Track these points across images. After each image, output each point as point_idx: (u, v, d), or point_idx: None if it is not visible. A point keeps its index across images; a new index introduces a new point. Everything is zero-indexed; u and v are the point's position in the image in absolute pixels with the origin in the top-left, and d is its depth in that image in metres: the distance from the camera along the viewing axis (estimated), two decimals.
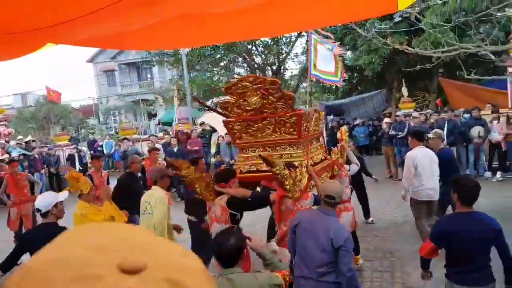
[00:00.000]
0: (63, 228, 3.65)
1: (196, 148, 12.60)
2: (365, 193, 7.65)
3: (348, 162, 6.13)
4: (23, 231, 7.88)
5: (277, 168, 3.98)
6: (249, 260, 3.28)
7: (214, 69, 23.23)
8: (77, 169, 15.71)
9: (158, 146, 12.55)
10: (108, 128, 35.52)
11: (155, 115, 35.60)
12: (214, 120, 14.00)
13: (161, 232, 4.68)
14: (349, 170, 5.91)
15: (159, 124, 23.74)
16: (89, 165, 17.66)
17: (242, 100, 4.63)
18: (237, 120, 4.78)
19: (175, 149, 12.25)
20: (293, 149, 4.76)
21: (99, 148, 18.56)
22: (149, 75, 41.08)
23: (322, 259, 3.35)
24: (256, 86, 4.48)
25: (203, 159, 5.89)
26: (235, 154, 12.06)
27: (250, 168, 4.89)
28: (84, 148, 18.76)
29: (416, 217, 6.27)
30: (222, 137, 12.85)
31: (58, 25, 3.39)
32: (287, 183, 4.03)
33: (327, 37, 12.68)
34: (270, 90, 4.44)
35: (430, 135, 6.92)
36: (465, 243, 3.31)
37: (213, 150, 13.26)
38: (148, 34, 4.65)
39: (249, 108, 4.63)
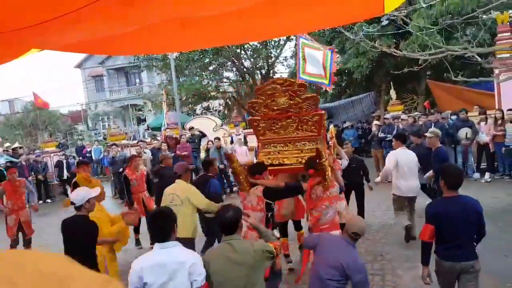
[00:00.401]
0: (93, 222, 4.15)
1: (186, 153, 12.52)
2: (363, 196, 7.69)
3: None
4: (22, 238, 7.75)
5: (324, 159, 4.61)
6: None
7: (203, 73, 23.19)
8: (65, 176, 15.55)
9: (147, 151, 12.47)
10: (97, 134, 35.25)
11: (144, 120, 35.42)
12: (203, 125, 13.99)
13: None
14: (341, 164, 6.49)
15: (148, 129, 23.61)
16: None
17: (270, 101, 5.13)
18: (263, 118, 5.25)
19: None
20: (313, 145, 5.27)
21: (87, 154, 18.39)
22: (137, 80, 40.91)
23: (336, 276, 3.49)
24: (284, 88, 5.03)
25: (216, 161, 6.34)
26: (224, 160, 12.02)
27: (272, 162, 5.36)
28: (73, 154, 18.57)
29: (396, 210, 6.91)
30: (211, 141, 12.78)
31: (43, 29, 3.33)
32: (327, 172, 4.64)
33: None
34: (298, 92, 5.01)
35: (428, 134, 7.28)
36: (453, 223, 3.70)
37: (202, 155, 13.17)
38: (136, 39, 4.61)
39: (276, 108, 5.17)
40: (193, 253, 3.14)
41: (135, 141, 16.88)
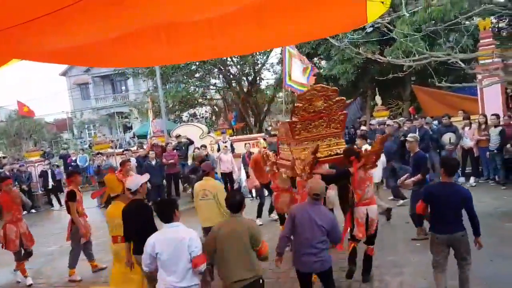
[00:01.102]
0: (147, 204, 5.18)
1: (172, 161, 12.42)
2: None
3: None
4: (24, 250, 7.47)
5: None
6: None
7: (189, 80, 23.11)
8: (50, 186, 15.32)
9: (132, 159, 12.33)
10: (82, 142, 34.89)
11: (130, 128, 35.17)
12: (189, 132, 13.91)
13: None
14: None
15: (134, 137, 23.45)
16: (63, 181, 17.30)
17: (308, 104, 6.12)
18: (300, 120, 6.18)
19: (153, 162, 12.02)
20: (337, 139, 6.46)
21: (72, 163, 18.16)
22: (123, 88, 40.69)
23: (319, 236, 4.45)
24: (320, 94, 6.13)
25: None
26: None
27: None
28: (57, 163, 18.31)
29: None
30: (198, 148, 12.69)
31: (23, 33, 3.27)
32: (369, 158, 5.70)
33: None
34: (330, 96, 6.21)
35: (408, 139, 7.55)
36: (445, 203, 4.66)
37: (189, 162, 13.08)
38: (119, 51, 4.57)
39: (311, 111, 6.16)
40: (192, 231, 4.00)
41: (121, 150, 16.72)
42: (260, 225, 8.89)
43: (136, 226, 4.80)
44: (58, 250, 9.42)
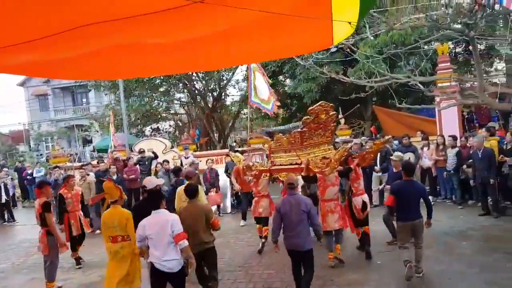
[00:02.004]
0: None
1: (133, 176, 12.08)
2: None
3: None
4: None
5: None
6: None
7: (153, 94, 22.81)
8: (3, 200, 14.59)
9: (90, 174, 11.94)
10: (39, 155, 33.64)
11: (90, 141, 34.21)
12: (152, 147, 13.66)
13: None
14: None
15: (94, 151, 22.79)
16: (17, 194, 16.56)
17: (315, 117, 7.54)
18: (308, 130, 7.71)
19: (115, 177, 11.62)
20: (329, 145, 8.19)
21: (28, 177, 17.41)
22: (84, 100, 39.76)
23: (302, 220, 5.48)
24: (323, 109, 7.59)
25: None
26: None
27: (312, 158, 7.71)
28: (11, 176, 17.50)
29: None
30: (160, 163, 12.41)
31: None
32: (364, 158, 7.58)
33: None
34: (329, 110, 7.66)
35: (393, 158, 8.14)
36: (408, 197, 6.09)
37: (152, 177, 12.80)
38: (83, 64, 4.43)
39: (316, 122, 7.63)
40: (174, 215, 5.13)
41: (79, 164, 16.20)
42: (243, 225, 10.65)
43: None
44: (10, 267, 8.89)
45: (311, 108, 7.71)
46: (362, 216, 7.27)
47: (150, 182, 6.10)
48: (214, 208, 12.33)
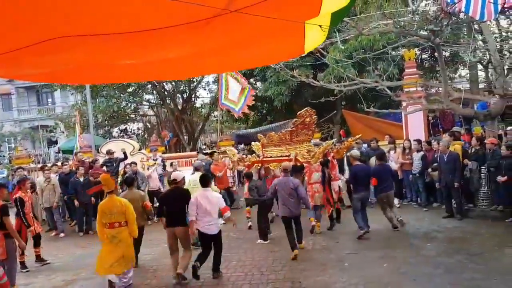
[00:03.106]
0: (186, 190, 7.18)
1: (99, 178, 11.75)
2: None
3: None
4: None
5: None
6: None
7: (121, 95, 22.38)
8: None
9: (53, 176, 11.58)
10: (1, 156, 32.45)
11: (55, 142, 33.26)
12: (119, 148, 13.34)
13: None
14: None
15: (59, 152, 22.15)
16: None
17: (303, 120, 9.88)
18: (297, 130, 10.03)
19: (81, 179, 11.26)
20: (309, 143, 10.47)
21: None
22: (50, 100, 38.70)
23: (292, 194, 7.51)
24: (308, 113, 9.93)
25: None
26: (141, 184, 11.52)
27: (299, 152, 9.86)
28: None
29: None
30: (129, 165, 12.11)
31: None
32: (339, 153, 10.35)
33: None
34: (312, 115, 10.00)
35: (350, 154, 9.45)
36: (383, 176, 8.68)
37: (120, 179, 12.46)
38: (49, 66, 4.29)
39: (303, 124, 9.97)
40: (218, 194, 7.21)
41: (42, 165, 15.70)
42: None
43: (175, 205, 6.81)
44: None
45: (300, 112, 10.04)
46: (337, 196, 9.64)
47: (178, 175, 7.22)
48: None
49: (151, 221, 10.45)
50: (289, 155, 9.79)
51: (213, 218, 6.69)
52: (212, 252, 6.87)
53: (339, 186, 9.74)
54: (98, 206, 6.49)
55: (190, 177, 8.86)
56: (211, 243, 6.81)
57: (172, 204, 6.81)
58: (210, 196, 6.72)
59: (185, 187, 7.51)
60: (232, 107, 14.06)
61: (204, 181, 6.95)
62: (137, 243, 7.20)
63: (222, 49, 4.19)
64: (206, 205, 6.60)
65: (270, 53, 4.68)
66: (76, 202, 11.08)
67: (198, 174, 8.55)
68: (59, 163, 13.22)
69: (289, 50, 4.66)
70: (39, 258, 8.51)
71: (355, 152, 9.44)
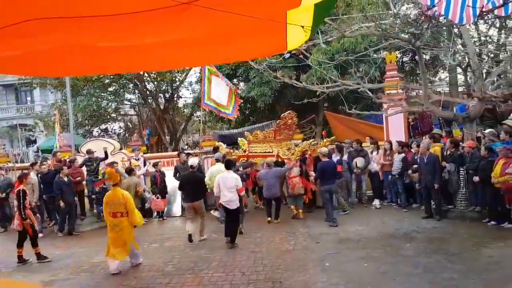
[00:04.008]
0: (200, 174, 10.24)
1: (79, 178, 11.58)
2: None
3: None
4: None
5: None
6: None
7: (102, 94, 22.10)
8: None
9: (32, 174, 11.35)
10: None
11: (34, 141, 32.65)
12: (100, 148, 13.16)
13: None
14: None
15: (38, 151, 21.72)
16: None
17: (285, 121, 11.41)
18: (280, 129, 11.48)
19: (66, 179, 10.99)
20: (289, 142, 11.76)
21: None
22: (29, 98, 37.96)
23: (274, 182, 10.04)
24: (290, 115, 11.44)
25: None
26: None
27: (281, 150, 11.53)
28: None
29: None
30: (111, 164, 11.88)
31: None
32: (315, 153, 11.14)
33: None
34: (293, 117, 11.53)
35: (320, 151, 10.27)
36: (328, 170, 9.83)
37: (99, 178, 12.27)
38: (30, 59, 4.20)
39: (285, 124, 11.48)
40: (236, 175, 8.74)
41: (20, 164, 15.40)
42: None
43: (193, 185, 8.92)
44: None
45: (283, 114, 11.83)
46: (313, 187, 10.91)
47: (194, 161, 9.39)
48: (155, 213, 12.14)
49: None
50: (272, 151, 11.36)
51: (232, 195, 8.35)
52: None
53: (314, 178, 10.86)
54: (104, 198, 7.52)
55: (212, 168, 11.08)
56: (230, 215, 8.54)
57: (192, 185, 8.92)
58: (229, 178, 8.46)
59: (208, 175, 10.59)
60: (222, 111, 14.04)
61: (227, 165, 8.81)
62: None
63: (203, 39, 4.16)
64: (226, 184, 8.37)
65: (253, 47, 4.66)
66: (61, 203, 10.77)
67: (218, 165, 10.57)
68: (38, 162, 12.93)
69: (272, 45, 4.65)
70: (40, 257, 8.50)
71: (324, 149, 10.38)
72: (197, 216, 9.03)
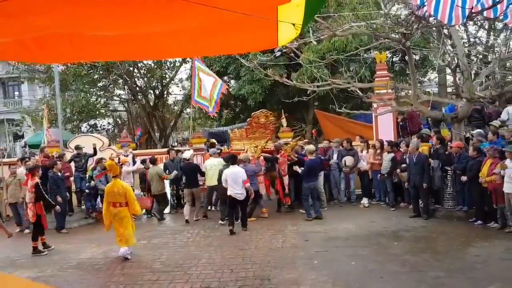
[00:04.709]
0: (196, 164, 11.90)
1: (67, 174, 11.45)
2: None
3: None
4: None
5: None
6: None
7: (92, 89, 21.90)
8: None
9: (19, 171, 11.20)
10: None
11: (22, 136, 32.28)
12: (88, 144, 13.05)
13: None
14: None
15: (25, 146, 21.47)
16: None
17: (257, 120, 11.53)
18: (251, 128, 11.66)
19: (59, 174, 10.81)
20: (268, 141, 11.64)
21: None
22: (16, 93, 37.48)
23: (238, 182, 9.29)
24: (263, 114, 11.59)
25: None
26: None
27: (255, 148, 11.50)
28: None
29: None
30: (99, 160, 11.77)
31: None
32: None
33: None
34: (268, 116, 11.59)
35: (306, 149, 10.69)
36: (314, 168, 10.24)
37: (89, 174, 12.15)
38: (17, 45, 4.14)
39: (257, 123, 11.57)
40: (242, 169, 9.40)
41: (7, 160, 15.22)
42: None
43: (191, 174, 10.84)
44: None
45: (253, 113, 11.75)
46: (288, 188, 11.06)
47: (188, 153, 11.33)
48: (143, 211, 12.03)
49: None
50: (245, 149, 11.68)
51: (239, 187, 9.17)
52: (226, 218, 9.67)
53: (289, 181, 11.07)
54: (105, 189, 8.07)
55: (207, 162, 11.40)
56: (237, 206, 9.46)
57: (189, 174, 10.91)
58: (236, 171, 9.25)
59: (204, 169, 11.16)
60: (206, 104, 13.93)
61: (233, 160, 9.56)
62: None
63: (193, 29, 4.14)
64: (233, 178, 9.17)
65: (244, 40, 4.65)
66: (59, 198, 10.45)
67: (213, 159, 11.20)
68: (27, 158, 12.76)
69: (263, 40, 4.64)
70: (44, 246, 8.80)
71: (311, 147, 10.76)
72: (193, 201, 10.79)
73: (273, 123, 11.78)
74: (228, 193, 9.23)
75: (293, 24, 4.02)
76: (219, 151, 11.99)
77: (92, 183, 11.58)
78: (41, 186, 8.77)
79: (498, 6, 5.42)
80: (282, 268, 6.78)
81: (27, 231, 10.82)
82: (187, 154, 11.22)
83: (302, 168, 10.48)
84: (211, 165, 10.94)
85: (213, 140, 13.44)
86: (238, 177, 9.16)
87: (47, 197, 8.82)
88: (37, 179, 8.86)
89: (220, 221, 10.22)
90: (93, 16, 3.45)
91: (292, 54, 10.85)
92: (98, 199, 11.62)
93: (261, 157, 11.03)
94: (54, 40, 4.06)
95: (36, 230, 8.67)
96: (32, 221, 8.73)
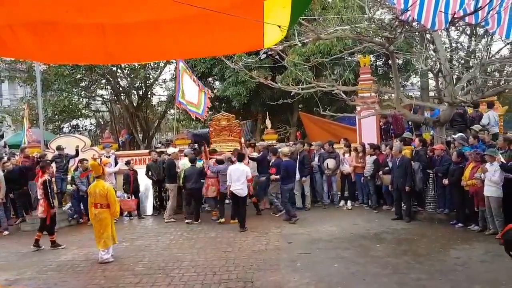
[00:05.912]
0: (173, 161, 11.53)
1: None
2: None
3: None
4: None
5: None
6: None
7: (74, 89, 21.57)
8: None
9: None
10: None
11: (1, 136, 31.63)
12: (70, 144, 12.86)
13: None
14: None
15: (5, 146, 21.03)
16: None
17: (218, 122, 13.17)
18: (214, 131, 13.12)
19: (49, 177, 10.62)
20: (235, 143, 12.63)
21: None
22: None
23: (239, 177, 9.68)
24: (224, 117, 13.34)
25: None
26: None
27: (220, 150, 12.47)
28: None
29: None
30: (81, 162, 11.57)
31: None
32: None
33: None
34: (230, 119, 13.13)
35: (281, 151, 10.72)
36: (290, 169, 10.37)
37: (71, 175, 11.96)
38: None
39: (219, 126, 13.09)
40: (246, 167, 10.08)
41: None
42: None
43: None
44: None
45: (214, 116, 13.02)
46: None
47: (171, 150, 12.06)
48: (125, 213, 11.86)
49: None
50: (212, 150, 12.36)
51: (241, 184, 9.54)
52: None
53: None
54: (88, 189, 8.04)
55: (180, 162, 11.66)
56: (239, 202, 9.74)
57: (168, 169, 11.31)
58: (240, 168, 9.68)
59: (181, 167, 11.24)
60: (193, 110, 13.87)
61: (239, 157, 10.03)
62: None
63: (180, 32, 4.12)
64: (236, 174, 9.57)
65: (230, 42, 4.64)
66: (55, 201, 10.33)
67: (186, 159, 11.32)
68: (5, 158, 12.52)
69: (248, 42, 4.63)
70: (54, 244, 8.96)
71: (285, 149, 10.95)
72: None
73: (238, 126, 12.81)
74: (231, 188, 9.61)
75: (279, 26, 4.04)
76: (193, 151, 12.03)
77: (74, 186, 11.39)
78: (48, 184, 8.92)
79: (480, 12, 5.49)
80: (265, 270, 6.78)
81: (6, 232, 10.63)
82: (170, 150, 12.09)
83: (277, 176, 10.43)
84: (184, 164, 11.29)
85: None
86: (241, 174, 9.54)
87: (49, 196, 8.88)
88: (46, 176, 9.06)
89: (186, 220, 10.66)
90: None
91: (277, 57, 10.86)
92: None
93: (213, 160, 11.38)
94: (25, 34, 3.98)
95: (44, 225, 8.93)
96: (43, 216, 8.88)
